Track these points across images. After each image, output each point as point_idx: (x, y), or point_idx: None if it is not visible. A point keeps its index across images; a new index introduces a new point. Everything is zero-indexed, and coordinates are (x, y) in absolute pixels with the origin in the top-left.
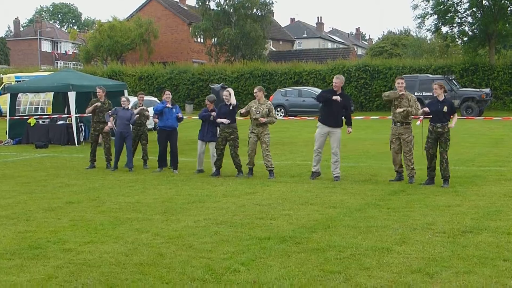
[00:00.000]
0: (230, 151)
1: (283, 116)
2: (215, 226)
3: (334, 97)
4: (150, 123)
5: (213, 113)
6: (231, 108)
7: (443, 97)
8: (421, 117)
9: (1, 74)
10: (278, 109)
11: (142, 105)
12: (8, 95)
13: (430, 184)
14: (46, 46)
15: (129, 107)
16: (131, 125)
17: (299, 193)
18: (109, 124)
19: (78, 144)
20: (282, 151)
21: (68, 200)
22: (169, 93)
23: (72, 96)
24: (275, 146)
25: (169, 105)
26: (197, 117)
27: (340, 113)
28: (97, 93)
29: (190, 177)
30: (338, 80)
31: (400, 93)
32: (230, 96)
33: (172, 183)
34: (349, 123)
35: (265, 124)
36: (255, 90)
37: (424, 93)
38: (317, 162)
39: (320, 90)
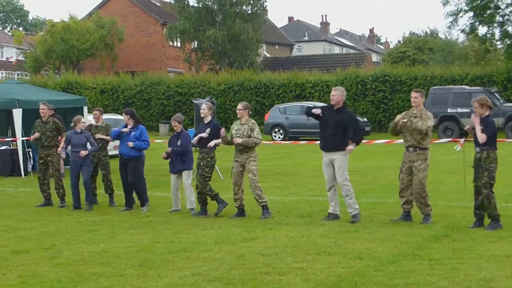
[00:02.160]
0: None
1: (282, 139)
2: (208, 284)
3: (313, 110)
4: (111, 149)
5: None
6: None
7: (487, 113)
8: (462, 140)
9: None
10: (276, 129)
11: (103, 124)
12: None
13: (480, 227)
14: None
15: (83, 128)
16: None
17: (312, 239)
18: (62, 155)
19: (25, 175)
20: (285, 183)
21: (14, 249)
22: (125, 114)
23: (17, 114)
24: (275, 177)
25: (125, 129)
26: (160, 141)
27: (337, 133)
28: (40, 111)
29: (169, 218)
30: (336, 93)
31: (413, 111)
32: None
33: (147, 226)
34: (353, 140)
35: (248, 147)
36: (239, 106)
37: (459, 109)
38: (333, 201)
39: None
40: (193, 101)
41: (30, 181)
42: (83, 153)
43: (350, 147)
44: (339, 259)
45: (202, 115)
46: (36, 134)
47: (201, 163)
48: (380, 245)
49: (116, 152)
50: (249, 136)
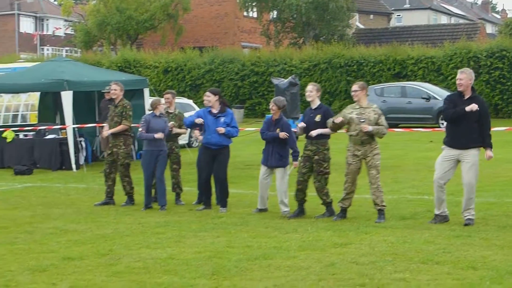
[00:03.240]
0: (315, 181)
1: None
2: None
3: (467, 108)
4: (182, 138)
5: (282, 134)
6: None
7: None
8: None
9: None
10: None
11: (175, 111)
12: None
13: None
14: (26, 25)
15: (162, 111)
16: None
17: (416, 245)
18: (158, 135)
19: (76, 169)
20: (382, 179)
21: (66, 255)
22: (209, 94)
23: (67, 97)
24: None
25: (199, 119)
26: (252, 129)
27: (475, 127)
28: (112, 92)
29: (246, 220)
30: (463, 76)
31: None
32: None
33: (221, 228)
34: (487, 143)
35: (371, 138)
36: (354, 87)
37: None
38: (440, 202)
39: (447, 94)
40: (272, 81)
41: (83, 175)
42: (160, 135)
43: (490, 153)
44: (449, 269)
45: (309, 99)
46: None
47: (316, 157)
48: (498, 253)
49: (183, 142)
50: (377, 124)
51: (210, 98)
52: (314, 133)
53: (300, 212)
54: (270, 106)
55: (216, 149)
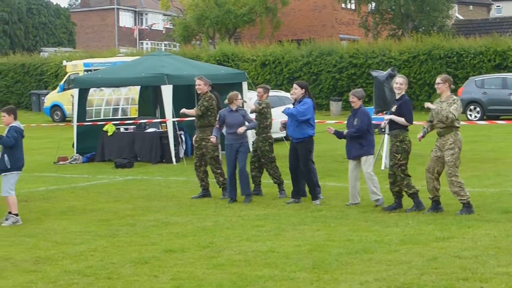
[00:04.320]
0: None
1: (479, 119)
2: None
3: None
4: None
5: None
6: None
7: None
8: None
9: (64, 61)
10: (472, 107)
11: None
12: (75, 91)
13: None
14: (126, 19)
15: (241, 105)
16: (247, 132)
17: None
18: (212, 138)
19: (176, 162)
20: (484, 171)
21: (167, 247)
22: (296, 86)
23: (167, 91)
24: (471, 164)
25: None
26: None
27: None
28: (196, 87)
29: (346, 213)
30: None
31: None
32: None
33: (320, 222)
34: None
35: (449, 130)
36: (437, 80)
37: None
38: None
39: None
40: (371, 73)
41: (183, 169)
42: (242, 129)
43: None
44: None
45: (397, 92)
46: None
47: (392, 149)
48: None
49: (281, 134)
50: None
51: (296, 91)
52: (387, 117)
53: (397, 206)
54: (350, 99)
55: (296, 142)
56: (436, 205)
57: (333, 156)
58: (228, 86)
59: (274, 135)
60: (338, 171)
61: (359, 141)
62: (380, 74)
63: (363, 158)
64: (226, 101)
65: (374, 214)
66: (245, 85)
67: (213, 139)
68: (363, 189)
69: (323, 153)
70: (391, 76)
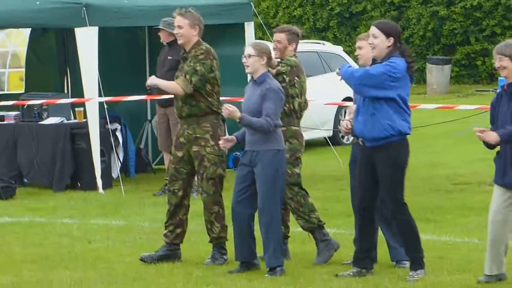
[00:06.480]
0: None
1: None
2: None
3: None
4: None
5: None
6: None
7: None
8: None
9: None
10: None
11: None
12: None
13: None
14: None
15: None
16: None
17: None
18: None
19: (104, 188)
20: None
21: None
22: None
23: (89, 40)
24: None
25: None
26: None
27: None
28: (176, 32)
29: None
30: None
31: None
32: None
33: None
34: None
35: None
36: None
37: None
38: None
39: None
40: None
41: (119, 202)
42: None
43: None
44: None
45: None
46: None
47: None
48: None
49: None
50: None
51: (376, 41)
52: None
53: None
54: (497, 62)
55: (372, 147)
56: None
57: (431, 178)
58: (219, 32)
59: (308, 133)
60: (443, 210)
61: None
62: None
63: None
64: None
65: None
66: (250, 27)
67: (224, 144)
68: None
69: (415, 172)
70: None
